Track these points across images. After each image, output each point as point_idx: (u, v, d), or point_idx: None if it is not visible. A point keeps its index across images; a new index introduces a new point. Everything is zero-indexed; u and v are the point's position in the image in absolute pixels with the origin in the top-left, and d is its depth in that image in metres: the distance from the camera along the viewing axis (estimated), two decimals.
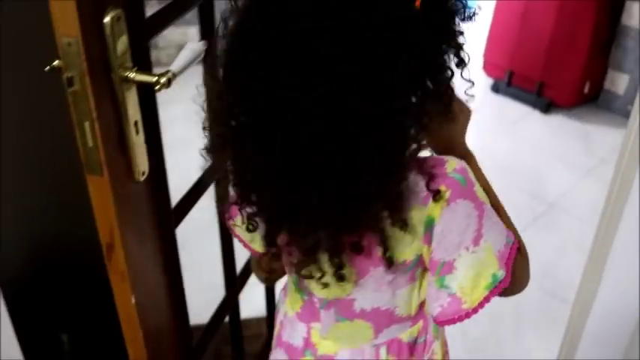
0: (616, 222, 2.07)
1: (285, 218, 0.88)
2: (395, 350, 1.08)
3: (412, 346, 1.09)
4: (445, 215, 0.87)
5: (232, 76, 0.81)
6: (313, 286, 1.02)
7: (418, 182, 0.86)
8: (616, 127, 3.66)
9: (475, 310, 0.91)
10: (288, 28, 0.73)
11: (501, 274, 0.90)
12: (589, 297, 2.08)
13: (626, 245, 2.08)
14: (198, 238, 1.79)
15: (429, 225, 0.88)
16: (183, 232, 1.22)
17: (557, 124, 3.78)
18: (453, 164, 0.88)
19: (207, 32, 1.12)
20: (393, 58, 0.75)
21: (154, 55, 4.12)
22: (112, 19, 0.83)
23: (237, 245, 1.26)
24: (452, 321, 0.93)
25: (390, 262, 0.90)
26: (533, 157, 3.40)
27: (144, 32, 0.90)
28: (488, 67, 4.04)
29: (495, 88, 4.04)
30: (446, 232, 0.88)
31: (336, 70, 0.73)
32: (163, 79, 0.87)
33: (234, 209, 0.98)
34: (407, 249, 0.92)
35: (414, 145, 0.82)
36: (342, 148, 0.77)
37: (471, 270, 0.89)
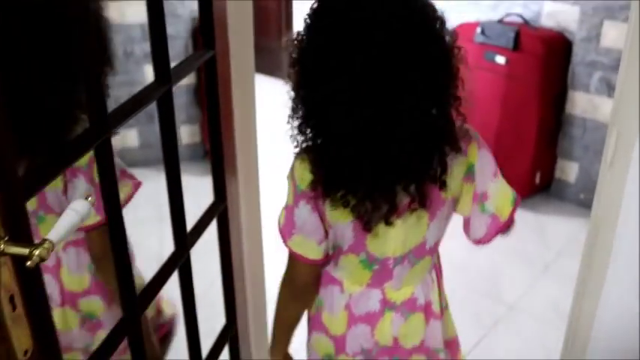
0: (588, 328, 1.95)
1: (380, 177, 1.19)
2: (436, 272, 1.48)
3: (438, 268, 1.50)
4: (480, 159, 1.29)
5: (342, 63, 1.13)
6: (390, 248, 1.33)
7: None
8: (570, 216, 3.62)
9: (510, 220, 1.33)
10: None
11: (515, 194, 1.35)
12: None
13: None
14: None
15: (470, 168, 1.29)
16: None
17: None
18: (471, 129, 1.30)
19: (105, 175, 0.99)
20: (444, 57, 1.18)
21: None
22: None
23: None
24: (494, 234, 1.34)
25: (443, 184, 1.24)
26: (489, 255, 3.30)
27: (17, 195, 0.77)
28: None
29: None
30: (482, 170, 1.30)
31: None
32: (38, 251, 0.73)
33: (286, 230, 1.32)
34: (454, 186, 1.27)
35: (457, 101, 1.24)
36: (423, 113, 1.18)
37: (499, 192, 1.32)
